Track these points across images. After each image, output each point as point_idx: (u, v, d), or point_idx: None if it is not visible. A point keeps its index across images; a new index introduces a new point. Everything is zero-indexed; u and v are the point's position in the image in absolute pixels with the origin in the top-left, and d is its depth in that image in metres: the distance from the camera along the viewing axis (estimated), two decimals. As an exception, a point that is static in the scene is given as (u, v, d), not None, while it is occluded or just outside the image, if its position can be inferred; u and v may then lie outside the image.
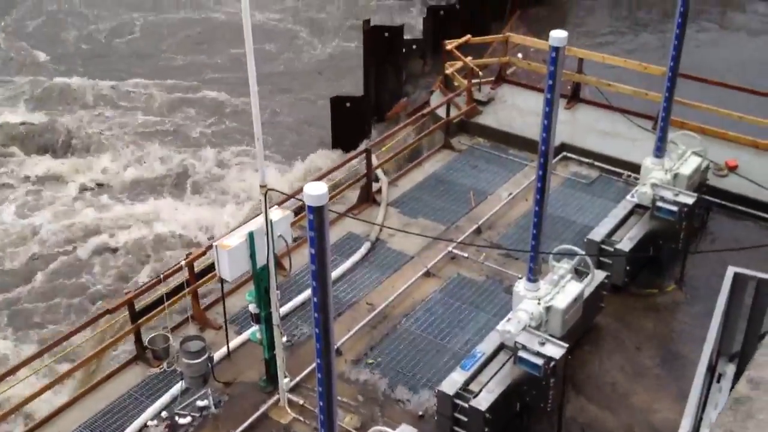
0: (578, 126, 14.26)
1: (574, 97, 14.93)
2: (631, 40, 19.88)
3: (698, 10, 20.08)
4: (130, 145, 19.25)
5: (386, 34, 18.07)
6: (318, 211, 5.16)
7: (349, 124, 17.60)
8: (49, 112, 20.76)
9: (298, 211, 11.52)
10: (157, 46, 23.65)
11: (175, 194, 17.61)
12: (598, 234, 10.63)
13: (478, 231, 11.92)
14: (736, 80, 14.38)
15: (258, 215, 8.30)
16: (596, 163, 13.36)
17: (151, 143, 19.33)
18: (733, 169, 12.69)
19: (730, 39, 19.73)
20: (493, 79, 15.53)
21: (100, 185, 18.12)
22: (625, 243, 10.45)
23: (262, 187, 7.81)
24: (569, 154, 13.61)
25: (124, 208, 17.43)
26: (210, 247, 8.78)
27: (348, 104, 17.51)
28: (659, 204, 10.56)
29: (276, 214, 8.25)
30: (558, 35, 7.67)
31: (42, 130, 19.71)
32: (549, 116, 8.03)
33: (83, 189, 18.03)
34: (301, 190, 5.88)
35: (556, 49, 7.70)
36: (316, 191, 5.06)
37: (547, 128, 8.10)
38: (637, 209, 11.06)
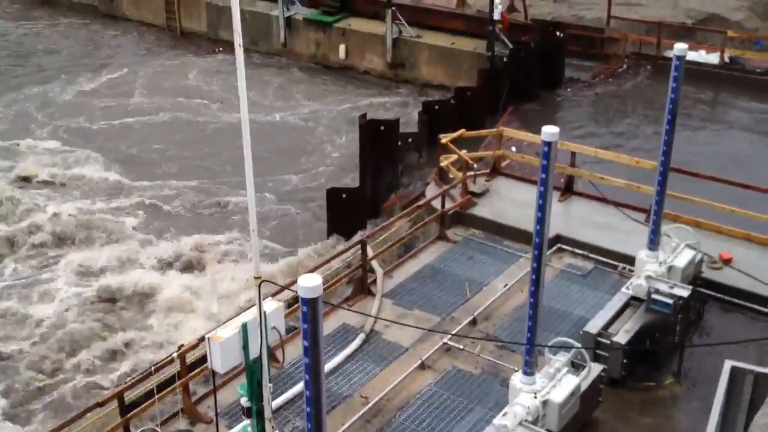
0: (572, 218, 14.37)
1: (568, 189, 15.10)
2: (621, 135, 20.26)
3: (688, 106, 20.53)
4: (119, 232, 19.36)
5: (382, 128, 18.40)
6: (312, 303, 5.17)
7: (345, 215, 17.71)
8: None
9: (292, 302, 11.47)
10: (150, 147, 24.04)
11: (167, 283, 17.56)
12: (594, 326, 10.58)
13: (474, 322, 11.86)
14: (727, 175, 14.59)
15: (252, 306, 8.26)
16: (591, 255, 13.41)
17: (143, 233, 19.39)
18: (727, 262, 12.74)
19: (720, 135, 20.12)
20: (487, 171, 15.75)
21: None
22: (622, 336, 10.39)
23: (256, 278, 7.81)
24: (564, 246, 13.67)
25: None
26: (202, 338, 8.70)
27: (344, 196, 17.66)
28: (654, 296, 10.55)
29: (270, 305, 8.22)
30: (550, 131, 7.85)
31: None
32: (543, 209, 8.13)
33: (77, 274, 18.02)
34: (295, 281, 5.88)
35: (548, 144, 7.86)
36: (309, 283, 5.08)
37: (541, 220, 8.19)
38: (633, 301, 11.05)
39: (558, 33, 23.21)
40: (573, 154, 14.80)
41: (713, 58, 22.54)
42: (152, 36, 32.36)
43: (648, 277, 10.85)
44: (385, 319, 11.72)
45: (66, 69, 29.35)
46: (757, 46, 24.24)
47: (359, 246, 12.63)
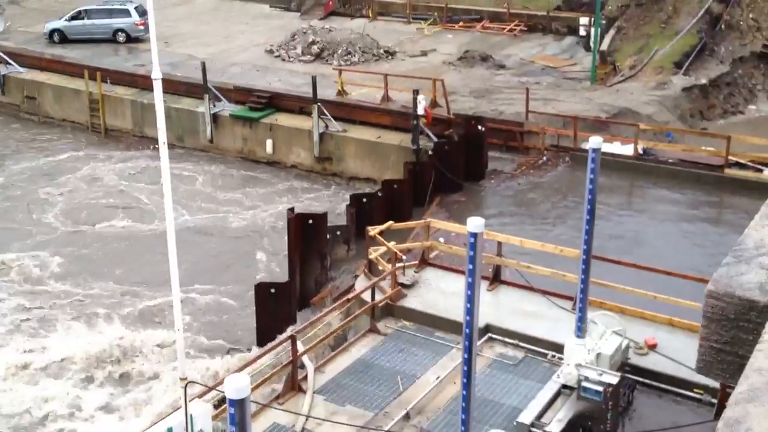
0: (501, 307, 14.49)
1: (496, 278, 15.28)
2: (544, 224, 20.77)
3: (606, 195, 21.23)
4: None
5: (310, 221, 18.44)
6: (239, 404, 5.00)
7: (274, 310, 17.48)
8: None
9: (221, 402, 11.11)
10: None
11: (88, 384, 16.85)
12: (527, 416, 10.55)
13: (407, 417, 11.68)
14: (646, 260, 15.03)
15: (177, 409, 7.98)
16: (521, 344, 13.47)
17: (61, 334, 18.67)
18: (652, 347, 12.97)
19: (638, 222, 20.82)
20: (416, 262, 15.84)
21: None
22: (555, 425, 10.38)
23: (181, 379, 7.58)
24: (494, 336, 13.72)
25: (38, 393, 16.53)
26: (125, 444, 8.33)
27: (273, 290, 17.47)
28: (585, 384, 10.62)
29: (197, 407, 7.96)
30: (476, 222, 7.98)
31: None
32: (471, 299, 8.16)
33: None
34: (222, 381, 5.71)
35: (475, 235, 7.97)
36: (237, 383, 4.92)
37: (470, 311, 8.21)
38: (564, 389, 11.09)
39: (480, 127, 23.95)
40: (499, 243, 15.05)
41: (628, 150, 23.52)
42: (76, 135, 32.04)
43: (577, 365, 10.94)
44: (317, 418, 11.44)
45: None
46: (668, 138, 25.44)
47: (289, 341, 12.41)
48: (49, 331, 18.95)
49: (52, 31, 37.52)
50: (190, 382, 7.58)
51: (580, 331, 11.43)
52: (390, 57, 34.76)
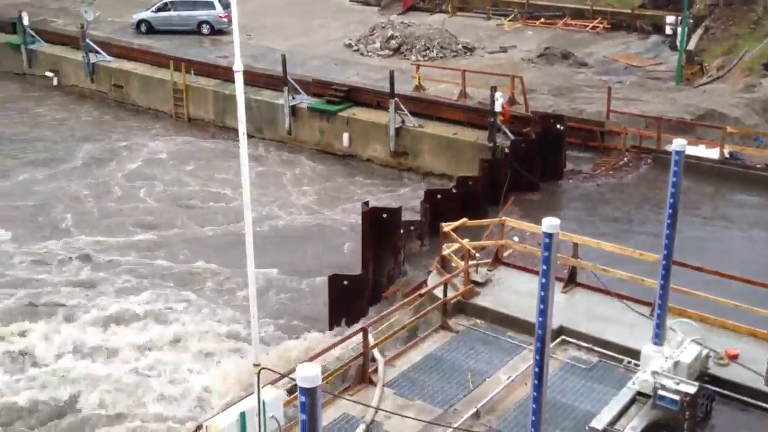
0: (576, 310, 14.23)
1: (571, 281, 15.01)
2: (623, 227, 20.30)
3: (690, 200, 20.63)
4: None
5: (384, 215, 18.46)
6: (310, 393, 5.04)
7: (347, 302, 17.59)
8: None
9: (292, 390, 11.25)
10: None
11: (162, 369, 17.29)
12: (600, 422, 10.35)
13: (477, 415, 11.58)
14: (728, 268, 14.51)
15: (250, 394, 8.10)
16: (595, 348, 13.21)
17: (142, 323, 19.20)
18: (733, 358, 12.53)
19: (722, 229, 20.15)
20: (489, 260, 15.69)
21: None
22: (628, 432, 10.14)
23: (255, 365, 7.68)
24: (568, 338, 13.49)
25: (111, 373, 17.11)
26: (199, 427, 8.50)
27: (346, 282, 17.58)
28: (661, 393, 10.36)
29: (269, 393, 8.06)
30: (551, 222, 7.85)
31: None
32: (545, 300, 8.04)
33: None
34: (294, 369, 5.76)
35: (549, 236, 7.84)
36: (308, 372, 4.97)
37: (543, 312, 8.09)
38: (639, 397, 10.84)
39: (558, 125, 23.57)
40: (575, 245, 14.77)
41: (713, 153, 22.79)
42: (160, 123, 32.90)
43: (654, 373, 10.67)
44: (386, 411, 11.46)
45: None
46: (756, 142, 24.54)
47: (360, 333, 12.47)
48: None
49: (140, 22, 38.58)
50: (263, 368, 7.68)
51: (658, 338, 11.14)
52: (468, 53, 34.53)
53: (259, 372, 7.65)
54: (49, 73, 36.99)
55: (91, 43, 34.98)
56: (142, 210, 25.24)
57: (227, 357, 17.56)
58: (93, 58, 35.11)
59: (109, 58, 35.23)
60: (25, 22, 37.21)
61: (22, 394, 16.51)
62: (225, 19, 37.53)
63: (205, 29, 38.00)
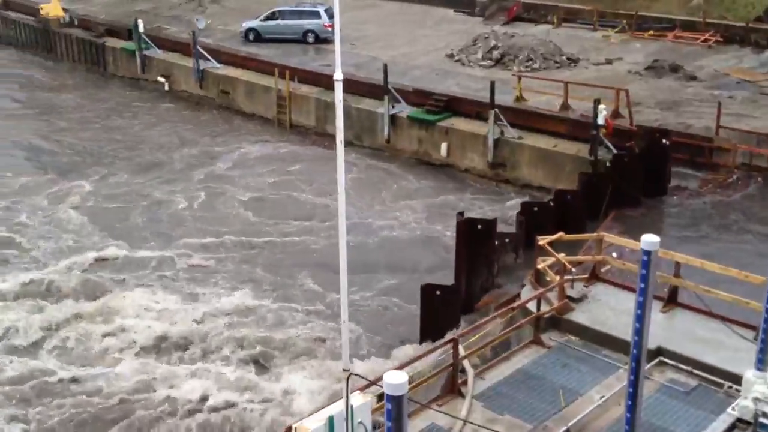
0: (675, 330, 13.76)
1: (671, 300, 14.53)
2: (728, 247, 19.51)
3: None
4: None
5: (479, 226, 18.35)
6: (396, 401, 5.06)
7: (439, 312, 17.55)
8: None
9: (381, 397, 11.29)
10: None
11: (254, 370, 17.69)
12: (696, 448, 9.95)
13: (567, 434, 11.34)
14: None
15: (339, 399, 8.18)
16: (695, 371, 12.72)
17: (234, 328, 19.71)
18: None
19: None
20: (586, 276, 15.36)
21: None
22: (726, 460, 9.72)
23: (344, 371, 7.76)
24: (666, 360, 13.04)
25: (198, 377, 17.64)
26: (289, 429, 8.64)
27: (438, 292, 17.55)
28: (762, 420, 9.92)
29: (357, 399, 8.12)
30: (650, 239, 7.65)
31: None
32: (641, 319, 7.83)
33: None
34: (382, 376, 5.79)
35: (648, 253, 7.63)
36: (395, 380, 4.99)
37: (640, 331, 7.88)
38: (739, 424, 10.39)
39: (664, 140, 22.87)
40: (677, 263, 14.29)
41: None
42: (264, 128, 33.74)
43: (756, 399, 10.21)
44: (475, 423, 11.36)
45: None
46: None
47: (451, 344, 12.42)
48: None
49: (248, 30, 39.73)
50: (352, 374, 7.75)
51: (762, 363, 10.63)
52: (572, 64, 33.95)
53: (348, 377, 7.73)
54: (161, 79, 38.57)
55: (201, 50, 36.28)
56: (238, 214, 25.87)
57: (317, 361, 17.80)
58: (203, 64, 36.41)
59: (217, 64, 36.45)
60: (141, 29, 38.94)
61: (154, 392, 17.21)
62: (329, 29, 38.21)
63: (310, 38, 38.80)
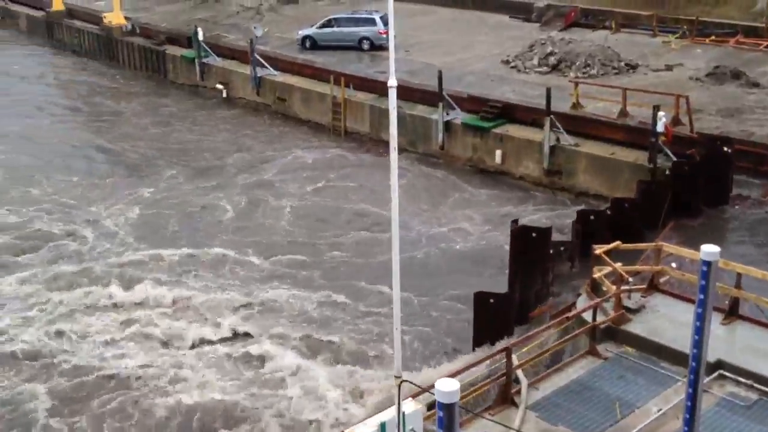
0: (736, 343, 13.39)
1: (732, 312, 14.15)
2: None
3: None
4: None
5: (534, 234, 18.15)
6: (448, 409, 5.02)
7: (492, 320, 17.41)
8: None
9: (432, 405, 11.25)
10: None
11: (305, 375, 17.80)
12: (758, 465, 9.66)
13: (622, 447, 11.13)
14: None
15: (390, 406, 8.17)
16: (756, 386, 12.36)
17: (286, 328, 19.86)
18: None
19: None
20: (644, 286, 15.05)
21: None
22: (790, 479, 9.40)
23: (396, 377, 7.74)
24: (726, 373, 12.70)
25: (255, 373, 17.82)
26: (339, 433, 8.67)
27: (491, 300, 17.40)
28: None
29: (409, 406, 8.10)
30: (710, 249, 7.47)
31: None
32: (701, 331, 7.64)
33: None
34: (434, 383, 5.75)
35: (708, 264, 7.45)
36: (447, 387, 4.95)
37: (698, 343, 7.69)
38: (804, 442, 10.04)
39: (726, 148, 22.33)
40: (738, 275, 13.92)
41: None
42: (319, 134, 34.01)
43: (822, 417, 9.86)
44: (527, 434, 11.23)
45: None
46: None
47: (504, 353, 12.30)
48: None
49: (304, 38, 40.11)
50: (404, 380, 7.73)
51: (829, 379, 10.29)
52: (631, 70, 33.40)
53: (399, 384, 7.72)
54: (219, 86, 39.19)
55: (258, 58, 36.75)
56: (291, 220, 26.07)
57: (370, 368, 17.81)
58: (260, 72, 36.87)
59: (274, 72, 36.88)
60: (200, 37, 39.66)
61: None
62: (384, 36, 38.32)
63: (366, 45, 38.97)
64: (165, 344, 19.39)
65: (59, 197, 28.18)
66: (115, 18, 46.72)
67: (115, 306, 21.02)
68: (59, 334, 19.77)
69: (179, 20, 47.74)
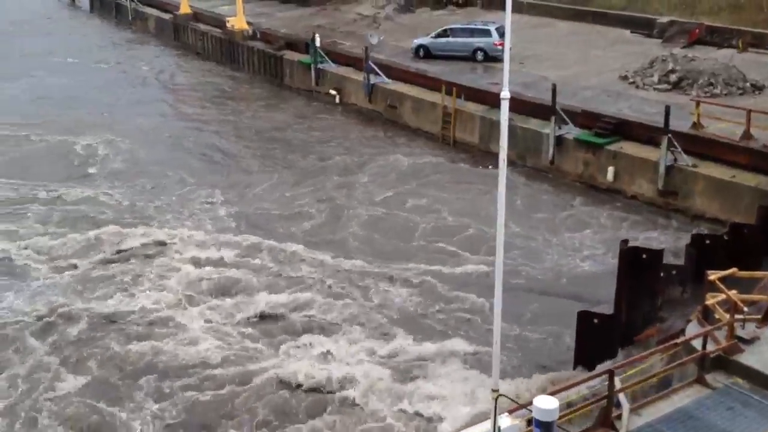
0: None
1: None
2: None
3: None
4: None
5: (644, 256, 17.59)
6: (546, 427, 4.93)
7: (595, 341, 16.97)
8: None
9: (529, 422, 11.04)
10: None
11: (398, 387, 17.84)
12: None
13: (728, 483, 10.61)
14: None
15: (486, 420, 8.08)
16: None
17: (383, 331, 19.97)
18: None
19: None
20: (759, 317, 14.33)
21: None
22: None
23: (493, 391, 7.65)
24: None
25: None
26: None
27: (596, 320, 16.97)
28: None
29: (505, 421, 7.99)
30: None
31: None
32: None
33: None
34: (532, 400, 5.65)
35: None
36: (546, 405, 4.85)
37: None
38: None
39: None
40: None
41: None
42: (427, 143, 34.10)
43: None
44: (626, 460, 10.86)
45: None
46: None
47: (606, 375, 11.95)
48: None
49: (418, 47, 40.31)
50: (500, 395, 7.63)
51: None
52: (758, 92, 31.94)
53: (496, 398, 7.62)
54: (332, 91, 39.92)
55: (372, 65, 37.19)
56: (390, 228, 26.17)
57: (466, 381, 17.67)
58: (373, 79, 37.31)
59: (387, 80, 37.23)
60: (317, 43, 40.50)
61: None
62: (499, 47, 38.05)
63: (480, 56, 38.79)
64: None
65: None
66: (238, 23, 48.30)
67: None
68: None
69: (298, 26, 48.90)
